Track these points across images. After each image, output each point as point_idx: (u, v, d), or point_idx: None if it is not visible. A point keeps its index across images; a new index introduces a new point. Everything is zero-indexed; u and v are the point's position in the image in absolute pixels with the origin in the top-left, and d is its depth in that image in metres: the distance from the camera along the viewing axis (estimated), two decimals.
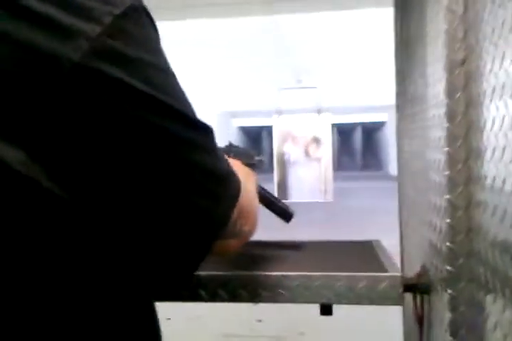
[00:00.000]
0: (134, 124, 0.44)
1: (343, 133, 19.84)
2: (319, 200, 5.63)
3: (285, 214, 1.20)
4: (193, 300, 1.02)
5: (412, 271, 1.27)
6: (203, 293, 1.02)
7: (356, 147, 20.45)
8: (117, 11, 0.43)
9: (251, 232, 0.65)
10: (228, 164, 0.58)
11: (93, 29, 0.41)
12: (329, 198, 5.53)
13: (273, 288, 1.03)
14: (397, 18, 1.67)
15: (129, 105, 0.43)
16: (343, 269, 1.04)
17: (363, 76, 8.31)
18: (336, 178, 10.90)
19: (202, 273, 1.03)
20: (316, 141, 5.97)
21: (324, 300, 1.02)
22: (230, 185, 0.56)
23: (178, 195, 0.48)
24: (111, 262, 0.49)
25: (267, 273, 1.04)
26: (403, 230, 1.61)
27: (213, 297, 1.03)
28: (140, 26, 0.46)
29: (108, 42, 0.42)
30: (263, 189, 1.18)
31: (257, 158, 1.39)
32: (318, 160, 5.88)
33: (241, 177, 0.84)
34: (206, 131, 0.53)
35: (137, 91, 0.44)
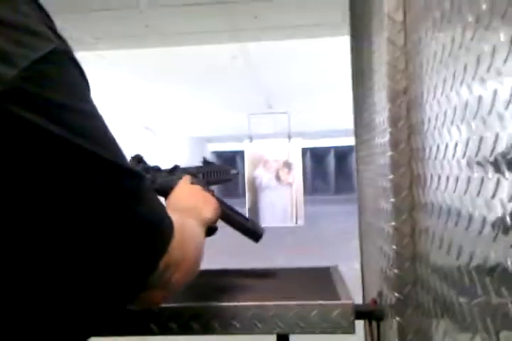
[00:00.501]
0: (51, 172, 0.42)
1: (316, 157, 20.04)
2: (290, 225, 5.63)
3: (253, 234, 1.18)
4: (143, 334, 0.99)
5: (372, 296, 1.27)
6: (152, 325, 0.99)
7: (329, 171, 20.64)
8: (35, 55, 0.42)
9: (182, 281, 0.61)
10: (161, 210, 0.56)
11: (8, 72, 0.40)
12: (300, 223, 5.54)
13: (226, 320, 1.01)
14: (352, 47, 1.72)
15: (45, 152, 0.42)
16: (297, 297, 1.03)
17: (333, 100, 8.46)
18: (309, 202, 10.95)
19: None
20: (287, 165, 6.00)
21: (278, 331, 1.01)
22: (158, 235, 0.54)
23: (103, 244, 0.47)
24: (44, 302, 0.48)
25: (219, 303, 1.02)
26: (363, 256, 1.61)
27: (164, 330, 1.00)
28: (62, 70, 0.45)
29: (23, 86, 0.41)
30: (231, 209, 1.17)
31: (232, 171, 1.40)
32: (290, 184, 5.90)
33: (192, 210, 0.83)
34: (136, 178, 0.51)
35: (55, 137, 0.42)
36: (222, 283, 1.20)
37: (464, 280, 0.60)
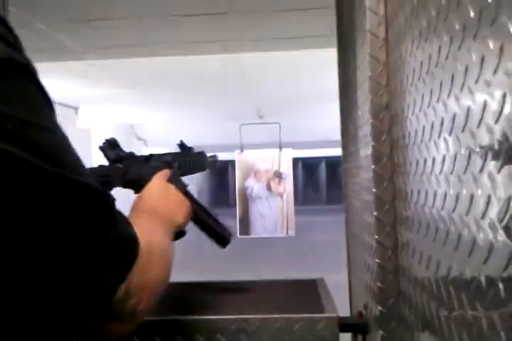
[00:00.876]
0: (8, 193, 0.40)
1: (308, 167, 20.10)
2: (281, 235, 5.63)
3: (221, 239, 1.11)
4: None
5: (358, 309, 1.28)
6: (136, 338, 0.99)
7: (321, 181, 20.69)
8: None
9: (148, 308, 0.58)
10: (126, 230, 0.53)
11: None
12: (291, 233, 5.53)
13: (210, 333, 1.01)
14: (339, 60, 1.74)
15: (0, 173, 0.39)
16: (282, 310, 1.03)
17: (325, 111, 8.52)
18: (301, 212, 10.93)
19: None
20: (278, 175, 6.00)
21: None
22: (119, 259, 0.50)
23: (64, 264, 0.44)
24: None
25: (203, 316, 1.02)
26: (351, 267, 1.62)
27: None
28: (11, 82, 0.42)
29: None
30: (204, 209, 1.10)
31: (210, 159, 1.30)
32: (281, 195, 5.90)
33: (163, 214, 0.79)
34: (98, 196, 0.48)
35: (10, 156, 0.39)
36: (206, 295, 1.20)
37: (442, 294, 0.61)
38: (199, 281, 1.37)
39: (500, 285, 0.43)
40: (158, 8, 3.36)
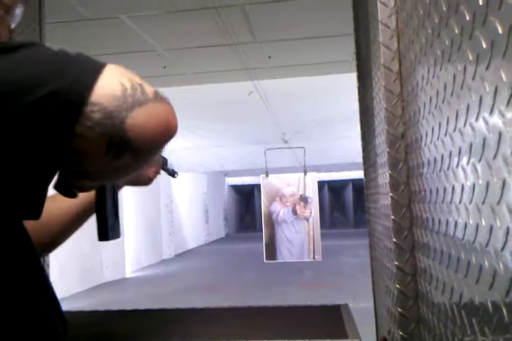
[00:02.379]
0: None
1: (334, 190, 19.99)
2: (307, 260, 5.60)
3: (103, 232, 0.99)
4: None
5: (383, 334, 1.28)
6: None
7: (348, 203, 20.51)
8: None
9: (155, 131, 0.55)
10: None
11: None
12: (318, 258, 5.50)
13: None
14: (359, 87, 1.79)
15: None
16: (305, 336, 1.05)
17: (349, 133, 8.55)
18: (328, 236, 10.84)
19: None
20: (304, 200, 6.02)
21: None
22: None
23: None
24: None
25: None
26: (376, 292, 1.62)
27: None
28: None
29: None
30: (114, 198, 1.00)
31: (169, 167, 1.28)
32: (307, 219, 5.90)
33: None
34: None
35: None
36: (231, 320, 1.23)
37: (456, 320, 0.63)
38: (222, 307, 1.40)
39: None
40: (183, 40, 3.49)
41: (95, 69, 0.53)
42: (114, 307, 1.51)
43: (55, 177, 0.57)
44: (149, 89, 0.54)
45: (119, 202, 1.00)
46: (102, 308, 1.48)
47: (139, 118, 0.52)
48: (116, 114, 0.51)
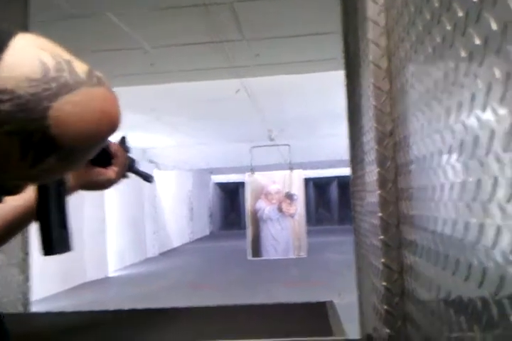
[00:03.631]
0: None
1: (319, 187, 20.08)
2: (292, 257, 5.62)
3: (49, 246, 0.83)
4: None
5: (368, 331, 1.29)
6: None
7: (333, 200, 20.62)
8: None
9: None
10: None
11: None
12: (303, 254, 5.52)
13: None
14: (347, 85, 1.79)
15: None
16: (290, 333, 1.05)
17: (335, 131, 8.59)
18: (313, 233, 10.88)
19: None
20: (289, 197, 6.03)
21: None
22: None
23: None
24: None
25: (212, 340, 1.04)
26: (361, 289, 1.63)
27: None
28: None
29: None
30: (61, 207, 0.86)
31: (135, 165, 1.16)
32: (292, 216, 5.91)
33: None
34: None
35: None
36: (215, 319, 1.22)
37: (443, 317, 0.63)
38: (207, 306, 1.39)
39: None
40: (170, 37, 3.46)
41: None
42: (96, 308, 1.49)
43: None
44: (81, 68, 0.41)
45: (68, 209, 0.83)
46: (83, 308, 1.46)
47: (67, 109, 0.39)
48: (33, 105, 0.38)
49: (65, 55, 0.41)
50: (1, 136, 0.38)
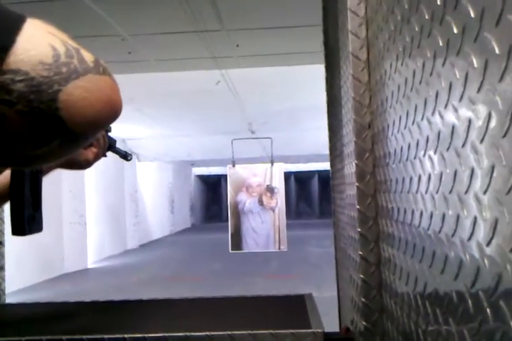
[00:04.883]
0: None
1: (300, 181, 20.15)
2: (273, 250, 5.62)
3: (20, 226, 0.83)
4: None
5: (346, 324, 1.29)
6: None
7: (314, 194, 20.72)
8: None
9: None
10: None
11: None
12: (283, 248, 5.53)
13: None
14: (327, 78, 1.78)
15: None
16: (269, 326, 1.04)
17: (317, 125, 8.60)
18: (294, 226, 10.91)
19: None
20: (270, 190, 6.02)
21: None
22: None
23: None
24: None
25: (192, 333, 1.03)
26: (339, 282, 1.63)
27: None
28: None
29: None
30: (37, 192, 0.87)
31: (118, 147, 1.18)
32: (273, 209, 5.91)
33: None
34: None
35: None
36: (194, 311, 1.21)
37: (420, 310, 0.63)
38: (185, 297, 1.38)
39: (488, 309, 0.42)
40: (149, 25, 3.41)
41: (10, 23, 0.39)
42: (74, 299, 1.47)
43: None
44: (89, 57, 0.43)
45: (41, 190, 0.84)
46: (60, 300, 1.43)
47: (76, 94, 0.40)
48: (45, 88, 0.39)
49: (74, 43, 0.43)
50: (12, 115, 0.39)
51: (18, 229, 0.82)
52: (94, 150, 0.96)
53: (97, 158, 0.98)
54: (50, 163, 0.51)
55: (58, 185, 7.83)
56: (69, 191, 8.37)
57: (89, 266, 9.12)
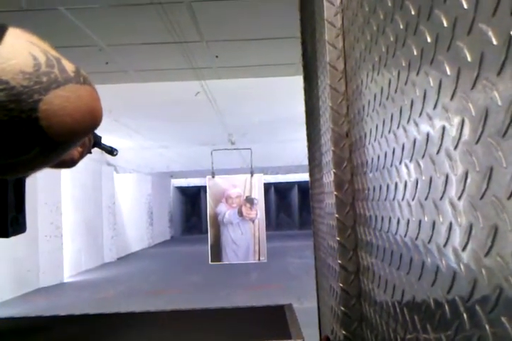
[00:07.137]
0: None
1: (280, 192, 20.19)
2: (253, 261, 5.61)
3: (1, 226, 0.81)
4: None
5: (326, 334, 1.28)
6: None
7: (294, 205, 20.76)
8: None
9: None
10: None
11: None
12: (263, 259, 5.52)
13: None
14: (305, 88, 1.79)
15: None
16: (248, 337, 1.03)
17: (296, 136, 8.65)
18: (274, 237, 10.90)
19: None
20: (250, 201, 6.02)
21: None
22: None
23: None
24: None
25: None
26: (319, 292, 1.63)
27: None
28: None
29: None
30: (20, 192, 0.86)
31: (103, 143, 1.17)
32: (252, 220, 5.90)
33: None
34: None
35: None
36: (173, 323, 1.19)
37: (398, 318, 0.63)
38: (162, 310, 1.36)
39: (464, 314, 0.42)
40: (127, 35, 3.40)
41: None
42: (49, 314, 1.43)
43: None
44: (69, 66, 0.43)
45: (25, 191, 0.83)
46: (35, 315, 1.40)
47: (56, 103, 0.40)
48: (25, 97, 0.39)
49: (54, 53, 0.43)
50: None
51: (1, 232, 0.80)
52: (79, 149, 0.96)
53: (82, 156, 0.98)
54: (32, 171, 0.51)
55: (34, 197, 7.69)
56: (44, 203, 8.23)
57: (66, 280, 8.95)
